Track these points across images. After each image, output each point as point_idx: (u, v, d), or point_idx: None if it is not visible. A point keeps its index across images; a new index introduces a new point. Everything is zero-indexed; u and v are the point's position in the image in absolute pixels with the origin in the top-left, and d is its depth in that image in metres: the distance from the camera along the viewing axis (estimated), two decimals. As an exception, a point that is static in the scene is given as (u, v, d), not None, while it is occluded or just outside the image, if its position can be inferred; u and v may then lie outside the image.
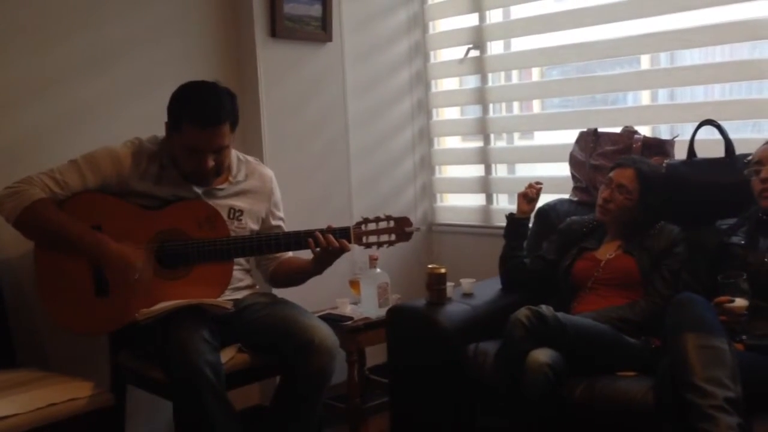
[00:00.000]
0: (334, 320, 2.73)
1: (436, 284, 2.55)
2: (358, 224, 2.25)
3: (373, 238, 2.26)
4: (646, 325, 2.29)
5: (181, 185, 2.24)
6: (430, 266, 2.60)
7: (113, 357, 2.37)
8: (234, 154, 2.35)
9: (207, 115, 2.13)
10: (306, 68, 3.20)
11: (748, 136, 2.72)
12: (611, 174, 2.51)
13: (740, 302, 2.03)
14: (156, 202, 2.22)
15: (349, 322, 2.77)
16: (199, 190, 2.26)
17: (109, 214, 2.18)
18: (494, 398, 2.21)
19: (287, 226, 2.46)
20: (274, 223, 2.44)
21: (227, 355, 2.18)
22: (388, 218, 2.27)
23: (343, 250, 2.23)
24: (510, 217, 2.70)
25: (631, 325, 2.30)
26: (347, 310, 2.87)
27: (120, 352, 2.35)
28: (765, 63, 2.69)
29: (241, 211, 2.34)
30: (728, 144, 2.50)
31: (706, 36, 2.86)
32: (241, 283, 2.37)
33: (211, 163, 2.16)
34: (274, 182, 2.46)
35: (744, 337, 2.05)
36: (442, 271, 2.56)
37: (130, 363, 2.31)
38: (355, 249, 2.35)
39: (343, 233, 2.23)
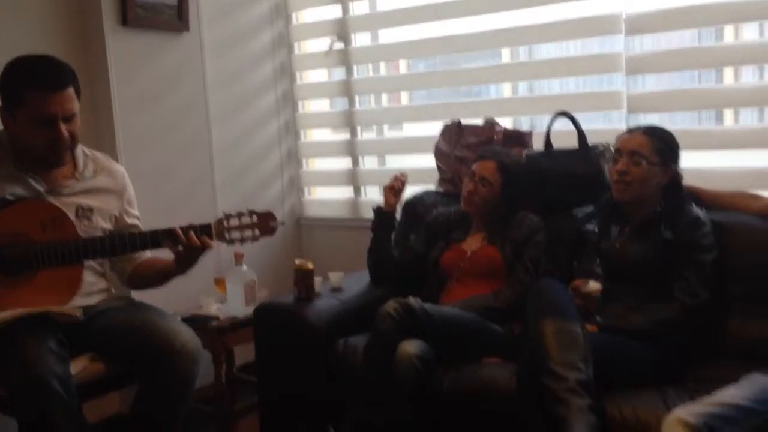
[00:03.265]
0: (199, 321, 2.63)
1: (303, 280, 2.51)
2: (220, 220, 2.16)
3: (236, 234, 2.17)
4: (510, 312, 2.35)
5: (17, 180, 2.05)
6: (297, 262, 2.55)
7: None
8: (80, 149, 2.19)
9: (51, 78, 2.00)
10: (162, 59, 3.04)
11: (599, 126, 2.84)
12: (474, 167, 2.55)
13: (594, 286, 2.12)
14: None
15: (215, 322, 2.68)
16: (40, 187, 2.08)
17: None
18: (365, 392, 2.19)
19: (147, 226, 2.31)
20: (129, 221, 2.29)
21: (78, 366, 2.02)
22: (251, 213, 2.18)
23: (205, 247, 2.13)
24: (377, 210, 2.69)
25: (495, 312, 2.35)
26: (213, 309, 2.77)
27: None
28: (614, 57, 2.82)
29: (91, 210, 2.18)
30: (581, 135, 2.60)
31: (561, 31, 2.97)
32: (93, 287, 2.21)
33: (65, 132, 2.01)
34: (126, 179, 2.31)
35: (598, 319, 2.14)
36: (310, 266, 2.52)
37: (-33, 380, 2.10)
38: (221, 246, 2.25)
39: (204, 230, 2.13)
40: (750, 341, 2.14)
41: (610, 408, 1.88)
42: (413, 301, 2.19)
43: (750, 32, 2.79)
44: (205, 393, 2.65)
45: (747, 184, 2.44)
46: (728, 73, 2.85)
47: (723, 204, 2.33)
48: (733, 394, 1.70)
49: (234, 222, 2.16)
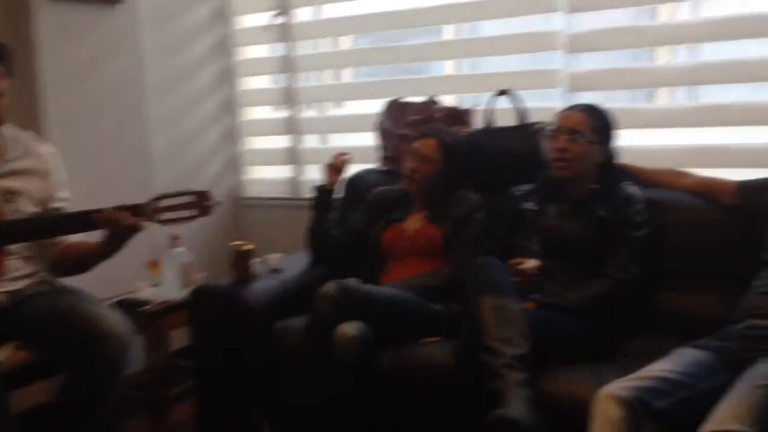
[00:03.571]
0: (130, 305, 2.57)
1: (241, 261, 2.47)
2: (153, 200, 2.09)
3: (170, 215, 2.10)
4: (449, 290, 2.34)
5: None
6: (234, 243, 2.50)
7: None
8: (5, 128, 2.09)
9: None
10: (94, 33, 2.92)
11: (540, 104, 2.85)
12: (415, 145, 2.53)
13: (531, 263, 2.14)
14: None
15: (148, 307, 2.61)
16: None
17: None
18: (304, 374, 2.16)
19: (79, 206, 2.22)
20: (57, 204, 2.21)
21: (2, 355, 1.95)
22: (186, 192, 2.12)
23: (136, 228, 2.06)
24: (318, 188, 2.65)
25: (434, 291, 2.34)
26: (146, 293, 2.70)
27: None
28: (554, 35, 2.82)
29: (17, 193, 2.09)
30: (521, 113, 2.60)
31: (502, 8, 2.97)
32: (18, 272, 2.12)
33: None
34: (54, 159, 2.22)
35: (535, 296, 2.16)
36: (248, 247, 2.48)
37: None
38: (155, 228, 2.19)
39: (135, 210, 2.06)
40: (680, 315, 2.19)
41: (546, 384, 1.91)
42: (352, 281, 2.18)
43: (684, 12, 2.82)
44: (138, 379, 2.59)
45: (679, 162, 2.47)
46: (662, 52, 2.89)
47: (656, 181, 2.37)
48: (663, 367, 1.73)
49: (167, 202, 2.09)
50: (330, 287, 2.16)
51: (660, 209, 2.26)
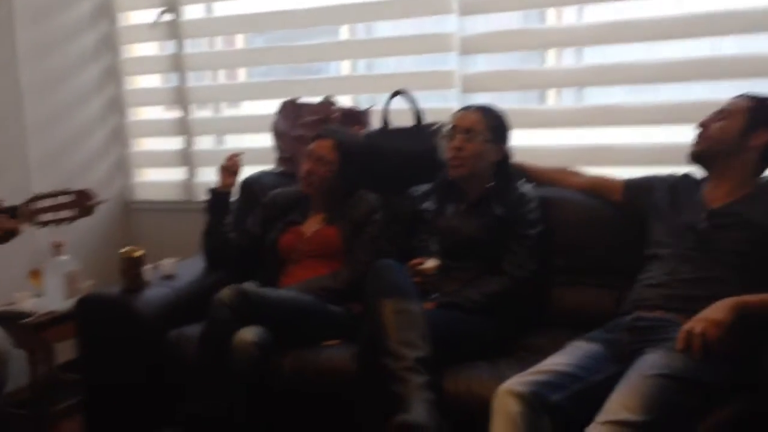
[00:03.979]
0: (10, 318, 2.42)
1: (131, 268, 2.36)
2: (28, 201, 1.94)
3: (49, 216, 1.97)
4: (349, 292, 2.32)
5: None
6: (124, 249, 2.38)
7: None
8: None
9: None
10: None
11: (436, 105, 2.89)
12: (311, 146, 2.50)
13: (431, 263, 2.15)
14: None
15: (30, 319, 2.46)
16: None
17: None
18: (199, 384, 2.09)
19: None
20: None
21: None
22: (64, 192, 1.99)
23: (13, 232, 1.92)
24: (212, 191, 2.57)
25: (334, 293, 2.32)
26: (28, 304, 2.54)
27: None
28: (448, 37, 2.86)
29: None
30: (418, 113, 2.62)
31: (397, 9, 2.97)
32: None
33: None
34: None
35: (435, 295, 2.17)
36: (138, 253, 2.37)
37: None
38: (37, 235, 2.05)
39: (10, 213, 1.91)
40: (573, 309, 2.27)
41: (447, 383, 1.92)
42: (249, 286, 2.15)
43: (570, 16, 2.92)
44: (20, 396, 2.43)
45: (569, 161, 2.55)
46: (551, 54, 2.98)
47: (548, 180, 2.44)
48: (558, 361, 1.78)
49: (45, 202, 1.96)
50: (226, 292, 2.10)
51: (552, 207, 2.33)
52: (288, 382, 2.09)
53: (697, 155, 2.03)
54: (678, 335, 1.68)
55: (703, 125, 2.02)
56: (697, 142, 2.03)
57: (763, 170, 2.03)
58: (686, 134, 2.08)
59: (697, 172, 2.11)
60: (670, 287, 1.92)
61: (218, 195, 2.56)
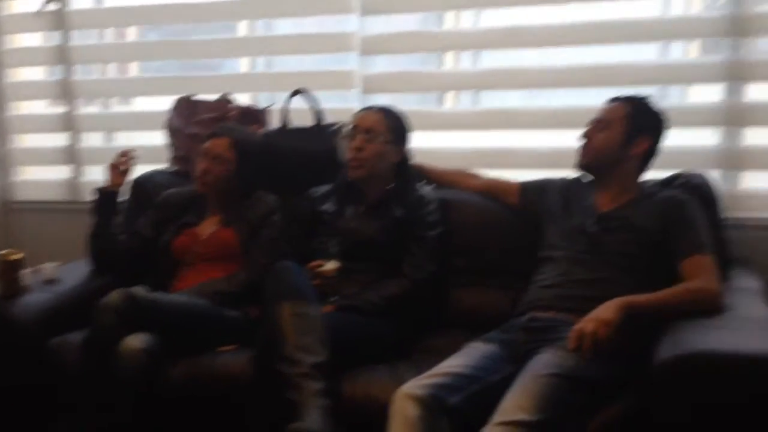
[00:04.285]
0: None
1: (8, 272, 2.23)
2: None
3: None
4: (245, 295, 2.27)
5: None
6: (1, 252, 2.23)
7: None
8: None
9: None
10: None
11: (336, 105, 2.86)
12: (207, 144, 2.42)
13: (330, 266, 2.12)
14: None
15: None
16: None
17: None
18: (84, 394, 1.98)
19: None
20: None
21: None
22: None
23: None
24: (99, 190, 2.45)
25: (229, 297, 2.25)
26: None
27: None
28: (349, 36, 2.84)
29: None
30: (317, 113, 2.58)
31: (297, 6, 2.93)
32: None
33: None
34: None
35: (334, 299, 2.14)
36: (16, 256, 2.24)
37: None
38: None
39: None
40: (471, 311, 2.29)
41: (345, 387, 1.90)
42: (138, 290, 2.05)
43: (467, 20, 2.96)
44: None
45: (467, 163, 2.59)
46: (449, 57, 3.01)
47: (447, 181, 2.47)
48: (455, 363, 1.79)
49: None
50: (113, 297, 2.00)
51: (451, 209, 2.36)
52: (181, 389, 2.01)
53: (585, 167, 2.11)
54: (570, 335, 1.73)
55: (587, 137, 2.08)
56: (582, 155, 2.10)
57: (643, 173, 2.11)
58: (577, 139, 2.15)
59: (588, 176, 2.18)
60: (563, 288, 1.97)
61: (106, 195, 2.44)
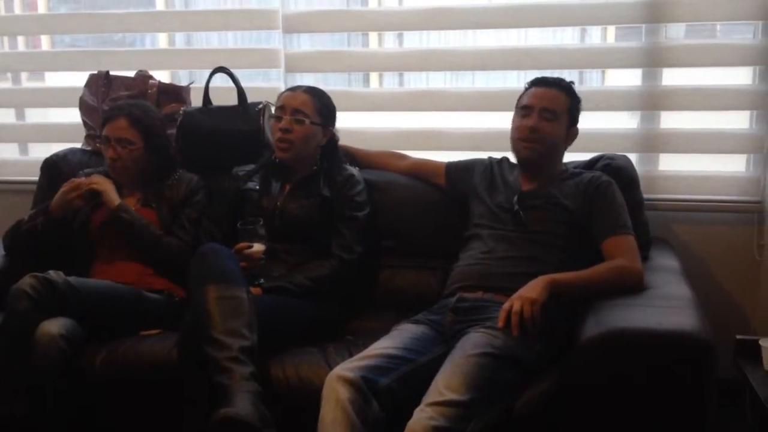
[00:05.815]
0: None
1: None
2: None
3: None
4: (168, 276, 2.21)
5: None
6: None
7: None
8: None
9: None
10: None
11: (259, 84, 2.79)
12: (105, 131, 2.30)
13: (258, 247, 2.08)
14: None
15: None
16: None
17: None
18: (2, 380, 1.89)
19: None
20: None
21: None
22: None
23: None
24: (47, 211, 2.28)
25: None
26: None
27: None
28: (272, 14, 2.77)
29: None
30: (240, 92, 2.52)
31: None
32: None
33: None
34: None
35: (262, 280, 2.11)
36: None
37: None
38: None
39: None
40: (401, 292, 2.31)
41: (275, 370, 1.88)
42: (54, 274, 1.97)
43: (392, 1, 2.95)
44: None
45: (393, 144, 2.59)
46: (373, 38, 2.99)
47: (374, 163, 2.46)
48: (385, 345, 1.79)
49: None
50: (27, 282, 1.93)
51: (378, 190, 2.35)
52: (101, 376, 1.95)
53: (534, 160, 2.07)
54: (498, 314, 1.76)
55: (534, 129, 2.03)
56: (532, 148, 2.05)
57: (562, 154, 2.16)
58: (501, 121, 2.16)
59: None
60: (489, 266, 1.99)
61: (53, 220, 2.26)
